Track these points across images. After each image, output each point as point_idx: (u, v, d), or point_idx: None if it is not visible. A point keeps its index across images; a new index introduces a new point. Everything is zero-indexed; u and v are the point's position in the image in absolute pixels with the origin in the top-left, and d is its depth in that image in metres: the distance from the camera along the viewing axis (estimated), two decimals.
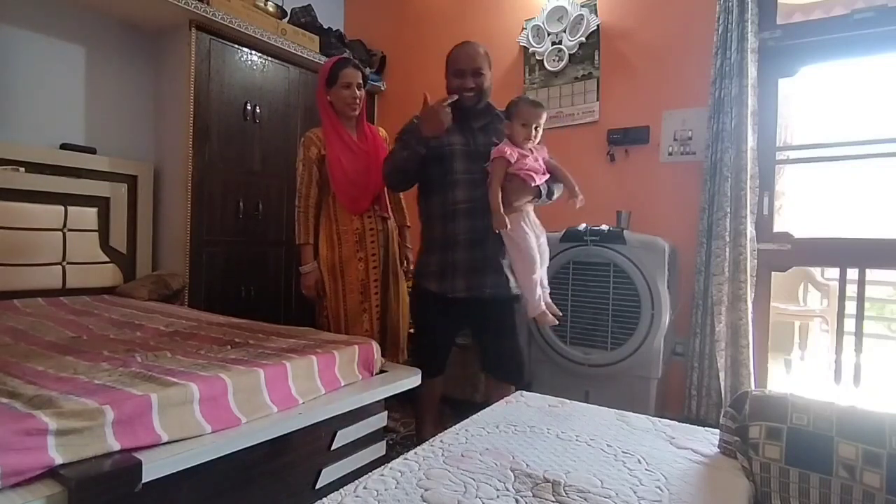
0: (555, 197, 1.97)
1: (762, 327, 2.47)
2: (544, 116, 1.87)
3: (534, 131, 1.83)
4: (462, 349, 2.48)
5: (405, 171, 1.94)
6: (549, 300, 1.95)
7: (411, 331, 2.36)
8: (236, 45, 2.82)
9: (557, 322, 1.93)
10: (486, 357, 2.09)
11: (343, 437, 1.52)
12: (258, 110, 2.92)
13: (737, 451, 1.11)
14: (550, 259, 2.36)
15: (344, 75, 2.14)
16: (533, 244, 1.85)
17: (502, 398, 1.82)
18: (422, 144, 1.86)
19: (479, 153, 1.91)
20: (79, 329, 1.80)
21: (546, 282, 1.95)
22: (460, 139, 1.95)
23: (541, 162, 1.87)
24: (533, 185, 1.83)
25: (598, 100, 2.87)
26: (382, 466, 1.04)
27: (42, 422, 0.93)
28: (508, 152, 1.80)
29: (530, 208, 1.92)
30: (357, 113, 2.20)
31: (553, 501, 0.91)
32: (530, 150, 1.86)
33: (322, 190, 2.19)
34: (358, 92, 2.16)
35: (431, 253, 2.01)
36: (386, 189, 2.28)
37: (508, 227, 1.78)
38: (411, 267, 2.40)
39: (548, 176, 1.90)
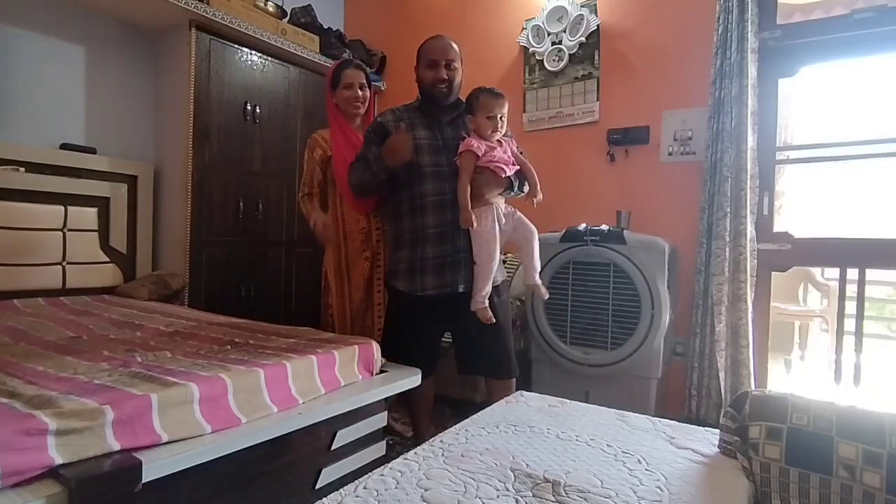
0: (526, 190, 1.94)
1: (762, 327, 2.47)
2: (507, 105, 1.85)
3: (499, 121, 1.81)
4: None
5: (366, 189, 1.98)
6: (538, 281, 1.92)
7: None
8: (236, 45, 2.82)
9: (494, 321, 1.86)
10: (466, 355, 2.02)
11: (343, 437, 1.52)
12: (258, 110, 2.93)
13: (737, 451, 1.11)
14: (551, 259, 2.38)
15: (345, 76, 2.16)
16: (497, 239, 1.84)
17: (501, 395, 1.82)
18: (385, 172, 1.87)
19: (448, 147, 1.89)
20: (79, 329, 1.80)
21: (538, 263, 1.92)
22: (427, 133, 1.93)
23: (509, 153, 1.86)
24: (503, 175, 1.81)
25: (598, 100, 2.87)
26: (382, 466, 1.04)
27: (42, 422, 0.93)
28: (476, 145, 1.79)
29: (501, 201, 1.90)
30: (362, 112, 2.22)
31: (553, 501, 0.91)
32: (498, 141, 1.85)
33: (328, 190, 2.20)
34: (360, 92, 2.17)
35: (400, 249, 1.97)
36: None
37: (475, 225, 1.77)
38: None
39: (518, 167, 1.88)
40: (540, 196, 1.87)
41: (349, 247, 2.16)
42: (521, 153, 1.96)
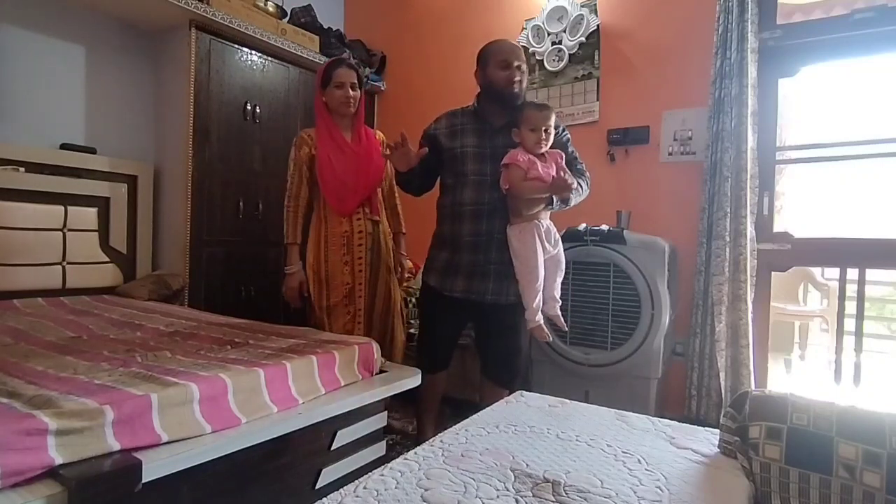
0: (572, 203, 1.93)
1: (762, 327, 2.47)
2: (553, 118, 1.84)
3: (544, 134, 1.81)
4: (462, 349, 2.48)
5: (403, 185, 2.07)
6: (559, 312, 1.95)
7: (412, 331, 2.35)
8: (236, 45, 2.82)
9: (550, 339, 1.94)
10: (482, 358, 2.13)
11: (343, 437, 1.52)
12: (258, 110, 2.92)
13: (737, 451, 1.11)
14: None
15: (337, 75, 2.13)
16: (539, 258, 1.83)
17: (491, 400, 1.85)
18: (399, 176, 2.01)
19: (495, 155, 1.89)
20: (79, 329, 1.80)
21: (559, 293, 1.94)
22: (475, 141, 1.94)
23: (553, 170, 1.83)
24: (542, 196, 1.82)
25: (598, 100, 2.87)
26: (382, 466, 1.04)
27: (42, 422, 0.93)
28: (521, 158, 1.79)
29: (545, 217, 1.90)
30: (352, 112, 2.18)
31: (553, 501, 0.91)
32: (543, 155, 1.84)
33: (312, 191, 2.18)
34: (352, 92, 2.14)
35: (440, 249, 2.03)
36: (379, 193, 2.29)
37: (570, 184, 1.75)
38: (406, 274, 2.40)
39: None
40: (567, 180, 1.77)
41: (329, 251, 2.15)
42: (575, 159, 1.99)
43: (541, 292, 1.86)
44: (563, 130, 2.05)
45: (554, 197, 1.85)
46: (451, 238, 1.97)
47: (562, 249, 1.95)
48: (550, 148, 1.88)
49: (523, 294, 1.88)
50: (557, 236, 1.94)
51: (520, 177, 1.80)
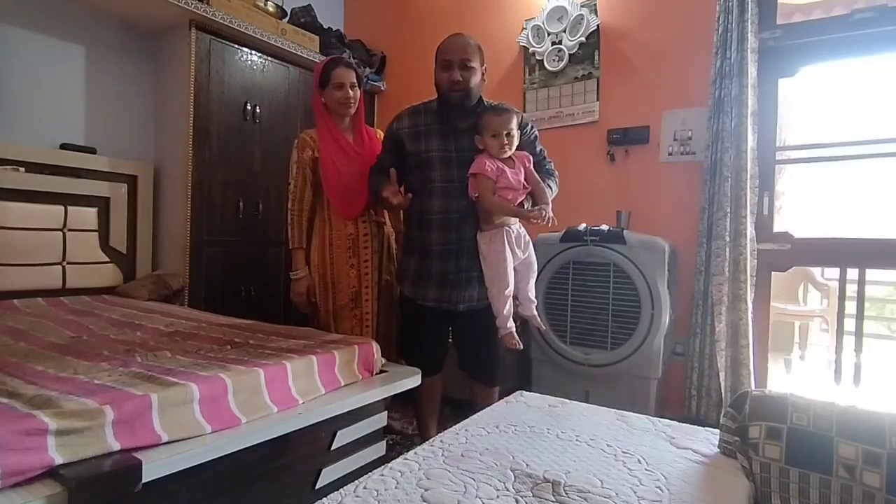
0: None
1: (762, 327, 2.47)
2: (514, 121, 1.78)
3: (506, 139, 1.76)
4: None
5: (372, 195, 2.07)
6: (535, 312, 1.94)
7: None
8: (236, 45, 2.82)
9: (520, 347, 1.88)
10: (462, 359, 2.12)
11: (343, 437, 1.52)
12: (258, 110, 2.92)
13: (737, 451, 1.11)
14: (551, 259, 2.38)
15: (335, 75, 2.07)
16: (508, 264, 1.81)
17: (482, 400, 1.85)
18: (377, 204, 2.06)
19: (462, 159, 1.85)
20: (79, 329, 1.80)
21: (533, 294, 1.93)
22: (440, 144, 1.89)
23: (521, 175, 1.80)
24: (515, 204, 1.78)
25: (598, 100, 2.87)
26: (382, 466, 1.04)
27: (42, 422, 0.93)
28: (489, 167, 1.74)
29: (515, 222, 1.87)
30: (352, 112, 2.14)
31: (553, 501, 0.91)
32: (511, 159, 1.81)
33: (316, 193, 2.15)
34: (351, 92, 2.09)
35: (410, 255, 2.01)
36: None
37: (550, 217, 1.73)
38: None
39: (529, 189, 1.83)
40: (544, 216, 1.72)
41: (335, 254, 2.12)
42: (544, 158, 1.97)
43: (511, 299, 1.84)
44: (532, 128, 1.99)
45: (525, 205, 1.82)
46: (421, 246, 1.94)
47: (532, 252, 1.92)
48: (518, 149, 1.84)
49: (493, 301, 1.85)
50: (528, 239, 1.91)
51: (489, 188, 1.75)
